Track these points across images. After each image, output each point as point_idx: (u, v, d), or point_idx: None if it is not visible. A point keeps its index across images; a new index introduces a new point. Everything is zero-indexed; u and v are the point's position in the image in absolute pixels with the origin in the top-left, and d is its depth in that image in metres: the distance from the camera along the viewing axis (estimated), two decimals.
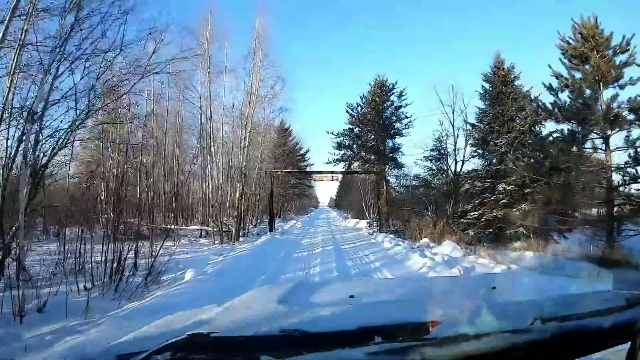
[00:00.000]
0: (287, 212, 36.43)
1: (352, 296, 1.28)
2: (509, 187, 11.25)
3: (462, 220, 12.71)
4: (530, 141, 11.75)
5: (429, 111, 19.51)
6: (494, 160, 12.27)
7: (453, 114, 15.59)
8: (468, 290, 1.55)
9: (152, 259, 6.44)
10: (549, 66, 10.68)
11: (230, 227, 13.27)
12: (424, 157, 15.36)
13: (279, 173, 18.88)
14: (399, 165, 16.87)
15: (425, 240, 11.81)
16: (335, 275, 6.27)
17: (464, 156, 14.85)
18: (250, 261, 7.85)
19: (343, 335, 0.86)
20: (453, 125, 15.47)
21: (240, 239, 14.57)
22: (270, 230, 17.40)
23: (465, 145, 14.97)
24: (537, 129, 12.53)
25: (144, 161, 18.95)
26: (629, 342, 0.77)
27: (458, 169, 14.78)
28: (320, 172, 18.32)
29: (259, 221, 21.82)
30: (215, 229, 13.10)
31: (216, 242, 13.09)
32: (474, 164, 14.22)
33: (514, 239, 11.53)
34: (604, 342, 0.82)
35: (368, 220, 22.21)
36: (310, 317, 1.02)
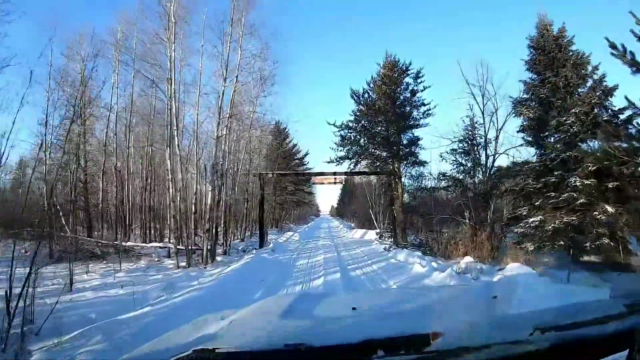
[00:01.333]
0: (285, 221, 33.08)
1: (354, 308, 1.26)
2: (588, 181, 7.95)
3: (514, 229, 9.38)
4: (605, 118, 8.57)
5: (453, 95, 16.40)
6: (555, 147, 8.99)
7: (483, 97, 12.47)
8: (469, 300, 1.50)
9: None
10: (631, 13, 7.55)
11: (207, 242, 9.92)
12: (451, 149, 12.10)
13: (271, 175, 15.59)
14: (419, 162, 13.55)
15: (468, 259, 8.46)
16: None
17: (495, 150, 11.67)
18: (200, 312, 4.53)
19: (347, 349, 0.86)
20: (483, 112, 12.33)
21: (218, 258, 11.25)
22: (260, 246, 14.08)
23: (497, 137, 11.79)
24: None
25: (118, 164, 15.79)
26: (627, 350, 0.78)
27: (493, 164, 11.59)
28: (321, 174, 15.04)
29: (248, 234, 18.46)
30: (179, 247, 9.76)
31: (182, 264, 9.76)
32: (522, 154, 10.97)
33: (593, 253, 8.24)
34: (604, 351, 0.82)
35: (377, 231, 18.84)
36: (314, 331, 1.05)
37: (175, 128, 9.47)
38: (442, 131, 21.18)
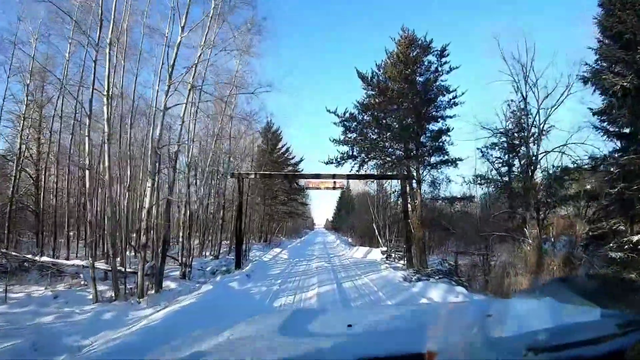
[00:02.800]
0: (277, 234, 29.63)
1: (350, 325, 1.25)
2: None
3: (602, 251, 6.28)
4: None
5: (487, 78, 13.54)
6: None
7: (526, 81, 9.67)
8: (464, 318, 1.46)
9: None
10: None
11: (144, 264, 6.64)
12: (492, 144, 9.14)
13: (253, 176, 12.40)
14: (450, 161, 10.48)
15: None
16: None
17: (538, 146, 8.83)
18: None
19: None
20: (525, 99, 9.53)
21: (172, 285, 8.06)
22: (237, 266, 10.80)
23: (542, 131, 8.95)
24: None
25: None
26: None
27: (537, 162, 8.71)
28: (317, 176, 11.91)
29: (226, 249, 15.07)
30: (100, 266, 6.50)
31: (105, 296, 6.49)
32: (575, 152, 8.07)
33: None
34: None
35: (383, 250, 15.61)
36: (310, 349, 1.05)
37: (104, 93, 6.33)
38: (470, 126, 17.68)
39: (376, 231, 18.69)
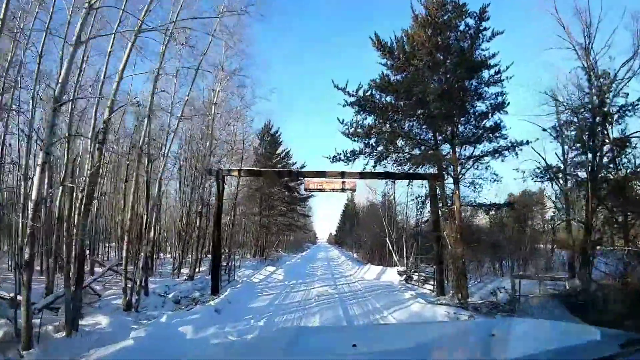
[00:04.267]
0: (276, 248, 26.72)
1: (354, 345, 1.25)
2: None
3: None
4: None
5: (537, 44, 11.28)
6: None
7: (589, 51, 7.28)
8: (468, 338, 1.47)
9: None
10: None
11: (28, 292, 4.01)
12: (565, 122, 6.55)
13: (235, 174, 9.76)
14: (504, 149, 7.79)
15: None
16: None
17: (604, 129, 6.31)
18: None
19: None
20: (590, 79, 7.12)
21: (103, 321, 5.53)
22: (214, 291, 8.12)
23: (608, 112, 6.44)
24: None
25: None
26: None
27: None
28: (321, 174, 9.28)
29: (207, 267, 12.30)
30: None
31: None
32: None
33: None
34: None
35: (400, 269, 12.77)
36: None
37: None
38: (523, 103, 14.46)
39: (389, 246, 15.89)
